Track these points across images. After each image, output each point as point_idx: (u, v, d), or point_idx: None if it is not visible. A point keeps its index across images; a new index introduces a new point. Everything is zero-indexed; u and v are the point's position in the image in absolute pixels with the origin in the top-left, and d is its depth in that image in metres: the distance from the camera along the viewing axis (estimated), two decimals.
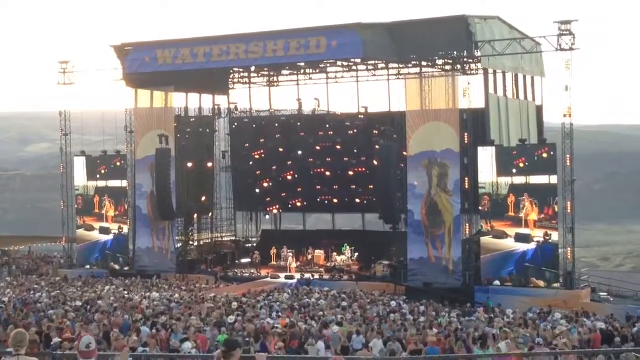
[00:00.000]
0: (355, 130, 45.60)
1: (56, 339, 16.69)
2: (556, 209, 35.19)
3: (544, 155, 35.47)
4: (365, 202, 46.19)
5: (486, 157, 36.24)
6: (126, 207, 45.75)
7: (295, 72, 47.15)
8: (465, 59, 38.12)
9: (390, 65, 42.84)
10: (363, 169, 45.15)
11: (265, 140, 48.07)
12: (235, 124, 49.36)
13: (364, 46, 37.42)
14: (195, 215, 47.75)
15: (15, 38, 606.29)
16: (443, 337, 19.54)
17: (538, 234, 35.24)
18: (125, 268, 44.51)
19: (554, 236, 35.21)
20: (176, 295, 31.75)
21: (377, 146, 40.24)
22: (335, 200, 47.71)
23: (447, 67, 39.45)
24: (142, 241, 44.81)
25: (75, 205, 46.94)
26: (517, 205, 35.58)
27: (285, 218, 53.63)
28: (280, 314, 25.44)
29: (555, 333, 20.97)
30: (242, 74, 48.53)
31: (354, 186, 46.36)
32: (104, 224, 46.12)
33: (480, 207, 36.92)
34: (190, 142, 46.47)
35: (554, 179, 35.25)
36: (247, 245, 49.54)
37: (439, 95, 37.53)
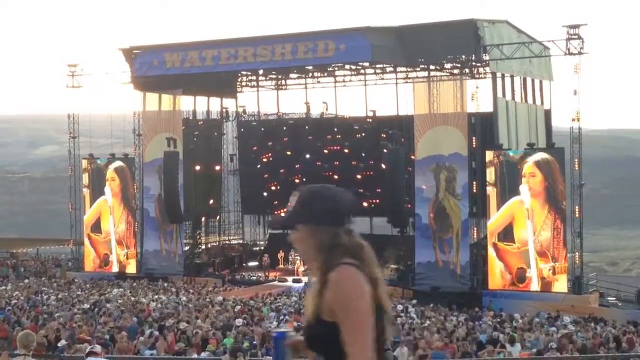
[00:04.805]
0: (363, 134, 45.53)
1: (62, 342, 16.74)
2: None
3: None
4: (373, 205, 45.99)
5: None
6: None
7: (303, 75, 47.09)
8: (473, 63, 38.03)
9: (399, 69, 42.70)
10: (371, 173, 44.97)
11: (273, 143, 48.06)
12: (244, 127, 49.41)
13: (372, 50, 37.36)
14: (203, 219, 47.74)
15: (24, 41, 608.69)
16: (449, 342, 19.51)
17: None
18: None
19: None
20: (183, 298, 31.75)
21: (385, 150, 40.14)
22: None
23: (456, 71, 39.35)
24: (150, 244, 44.81)
25: None
26: None
27: None
28: (287, 317, 25.44)
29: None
30: (250, 78, 48.52)
31: (361, 190, 46.04)
32: None
33: None
34: (198, 146, 46.47)
35: None
36: (254, 248, 49.50)
37: (447, 99, 37.46)
